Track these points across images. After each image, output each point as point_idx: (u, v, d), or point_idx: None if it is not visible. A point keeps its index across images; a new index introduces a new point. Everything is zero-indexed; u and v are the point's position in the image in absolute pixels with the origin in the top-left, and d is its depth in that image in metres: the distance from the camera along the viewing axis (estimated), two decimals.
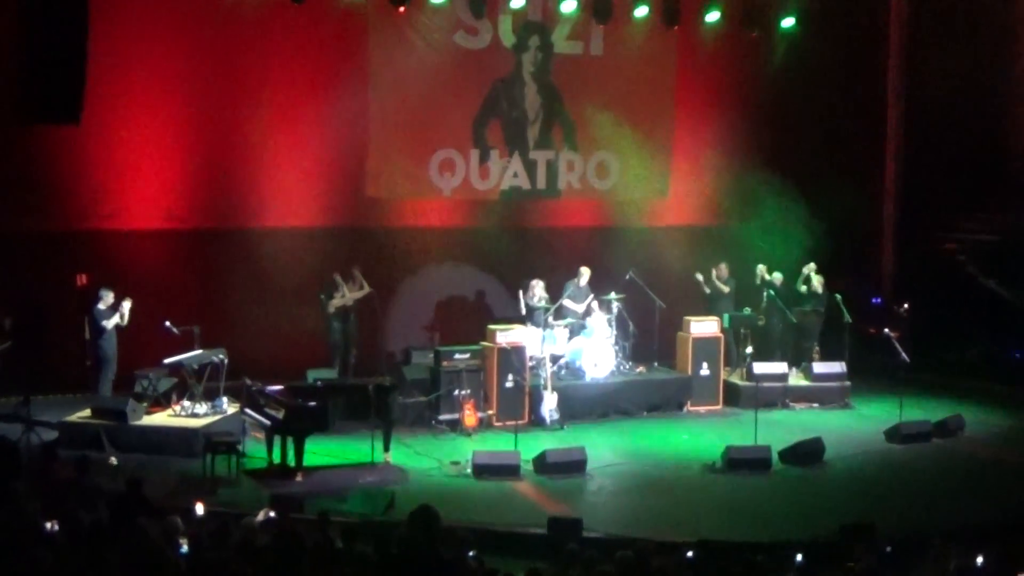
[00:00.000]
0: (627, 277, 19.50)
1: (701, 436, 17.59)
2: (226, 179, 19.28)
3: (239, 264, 19.20)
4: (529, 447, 16.04)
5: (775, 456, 16.08)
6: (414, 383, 18.25)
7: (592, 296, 19.27)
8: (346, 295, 18.88)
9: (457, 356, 17.78)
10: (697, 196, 22.06)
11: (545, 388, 17.77)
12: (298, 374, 17.38)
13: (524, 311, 18.85)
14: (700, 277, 20.20)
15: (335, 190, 19.92)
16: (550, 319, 18.83)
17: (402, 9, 19.72)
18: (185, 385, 16.72)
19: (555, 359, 18.57)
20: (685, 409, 19.18)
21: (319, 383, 16.23)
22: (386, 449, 15.60)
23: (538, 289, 18.94)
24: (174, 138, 18.91)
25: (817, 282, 20.24)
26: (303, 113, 19.44)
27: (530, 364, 18.22)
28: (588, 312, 19.18)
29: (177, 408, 16.57)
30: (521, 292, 18.88)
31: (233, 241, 19.31)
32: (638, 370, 19.37)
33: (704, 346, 19.34)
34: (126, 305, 16.84)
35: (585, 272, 19.34)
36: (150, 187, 18.95)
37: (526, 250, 20.50)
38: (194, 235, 19.24)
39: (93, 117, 17.54)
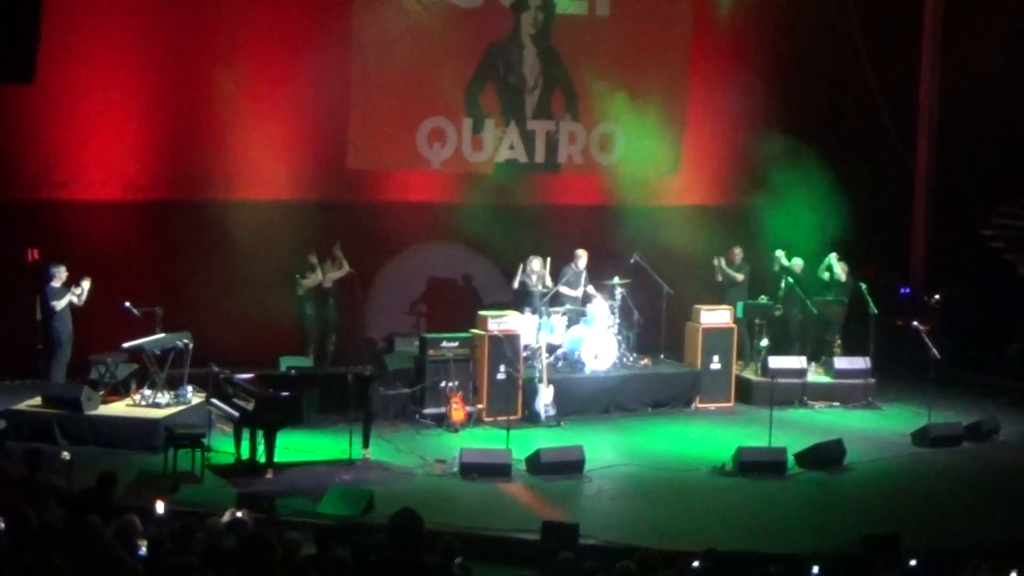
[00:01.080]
0: (632, 261, 19.56)
1: (710, 436, 17.61)
2: (193, 147, 19.27)
3: (206, 240, 19.20)
4: (522, 445, 16.06)
5: (791, 459, 16.08)
6: (397, 373, 18.27)
7: (589, 281, 19.35)
8: (319, 276, 18.91)
9: (444, 344, 17.77)
10: (711, 173, 22.09)
11: (540, 381, 17.76)
12: (270, 362, 17.50)
13: (516, 286, 18.98)
14: (717, 261, 20.32)
15: (313, 160, 19.92)
16: (546, 307, 18.92)
17: None
18: (146, 372, 16.73)
19: (552, 349, 18.59)
20: (693, 406, 19.23)
21: (293, 372, 16.26)
22: (365, 445, 15.62)
23: (535, 264, 18.98)
24: (136, 101, 18.89)
25: (840, 269, 20.27)
26: (278, 75, 19.43)
27: (524, 354, 18.32)
28: (586, 298, 19.22)
29: (137, 397, 16.60)
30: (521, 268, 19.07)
31: (200, 215, 19.28)
32: (643, 362, 19.44)
33: (715, 337, 19.38)
34: (85, 284, 16.85)
35: (582, 255, 19.38)
36: (109, 154, 18.93)
37: (522, 229, 20.44)
38: (157, 207, 19.23)
39: (47, 76, 17.14)
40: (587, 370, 18.70)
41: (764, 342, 19.61)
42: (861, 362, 19.76)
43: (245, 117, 19.30)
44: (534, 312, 18.75)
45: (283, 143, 19.61)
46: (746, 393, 19.46)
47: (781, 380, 18.70)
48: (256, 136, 19.41)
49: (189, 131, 19.20)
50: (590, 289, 19.18)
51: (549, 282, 19.02)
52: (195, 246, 19.20)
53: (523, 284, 19.04)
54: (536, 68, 21.04)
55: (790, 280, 20.18)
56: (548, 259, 19.14)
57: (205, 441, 15.03)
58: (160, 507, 11.51)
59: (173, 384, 16.63)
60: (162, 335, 16.70)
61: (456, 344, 17.82)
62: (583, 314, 19.08)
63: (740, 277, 20.34)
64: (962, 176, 22.57)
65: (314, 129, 19.81)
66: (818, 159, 20.68)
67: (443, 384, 17.56)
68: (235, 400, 15.35)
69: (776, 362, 19.27)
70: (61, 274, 16.89)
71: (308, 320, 19.06)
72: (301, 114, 19.64)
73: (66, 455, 13.42)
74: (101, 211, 18.76)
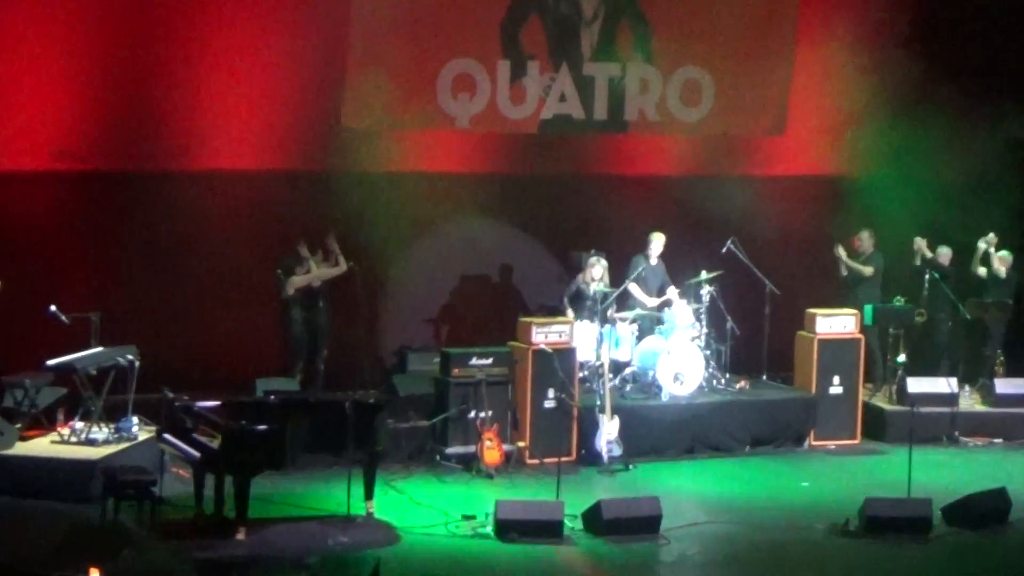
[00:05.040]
0: (724, 250, 19.74)
1: (829, 483, 17.68)
2: (143, 103, 19.32)
3: (159, 223, 19.28)
4: (577, 496, 16.04)
5: (937, 514, 15.97)
6: (411, 400, 18.37)
7: (668, 277, 19.44)
8: (312, 271, 18.97)
9: (474, 362, 17.85)
10: (828, 134, 22.04)
11: (602, 410, 17.76)
12: (243, 384, 17.71)
13: (569, 297, 19.09)
14: (839, 251, 20.34)
15: (297, 117, 19.95)
16: (611, 310, 18.94)
17: None
18: (77, 398, 16.75)
19: (618, 368, 18.75)
20: (807, 444, 19.36)
21: (273, 398, 16.10)
22: (368, 496, 15.54)
23: (598, 268, 19.00)
24: (74, 46, 18.92)
25: (1000, 262, 20.32)
26: (252, 12, 19.54)
27: (581, 375, 18.40)
28: (664, 300, 19.25)
29: (65, 431, 16.60)
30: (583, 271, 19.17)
31: (150, 190, 19.33)
32: (738, 385, 19.59)
33: (836, 352, 19.46)
34: None
35: (658, 240, 19.52)
36: (34, 112, 18.98)
37: (578, 208, 20.62)
38: (94, 180, 19.28)
39: None
40: (664, 395, 18.75)
41: (901, 358, 19.72)
42: None
43: (210, 65, 19.42)
44: (593, 319, 18.74)
45: (258, 96, 19.73)
46: (877, 426, 19.57)
47: (924, 409, 18.52)
48: (223, 88, 19.56)
49: (139, 85, 19.27)
50: (672, 289, 19.22)
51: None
52: (144, 231, 19.29)
53: (579, 289, 19.20)
54: None
55: (935, 276, 20.20)
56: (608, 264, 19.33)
57: (156, 490, 14.98)
58: None
59: (113, 414, 16.66)
60: (99, 349, 16.76)
61: (490, 361, 17.89)
62: (659, 321, 19.17)
63: (869, 271, 20.33)
64: None
65: (299, 77, 19.84)
66: (971, 119, 20.58)
67: (473, 415, 17.61)
68: (196, 436, 15.26)
69: (917, 384, 19.33)
70: None
71: (295, 331, 19.12)
72: (281, 58, 19.71)
73: None
74: (21, 185, 18.83)
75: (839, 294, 20.38)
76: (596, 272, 19.00)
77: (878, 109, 21.48)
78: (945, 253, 20.48)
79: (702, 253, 19.76)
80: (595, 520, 15.45)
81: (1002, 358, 20.41)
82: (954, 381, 19.66)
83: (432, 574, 9.06)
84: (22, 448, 16.27)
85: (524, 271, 21.07)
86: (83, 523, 15.01)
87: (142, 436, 16.58)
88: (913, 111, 21.03)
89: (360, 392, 16.75)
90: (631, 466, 17.88)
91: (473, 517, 15.67)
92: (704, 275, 19.24)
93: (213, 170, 19.65)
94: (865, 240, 20.52)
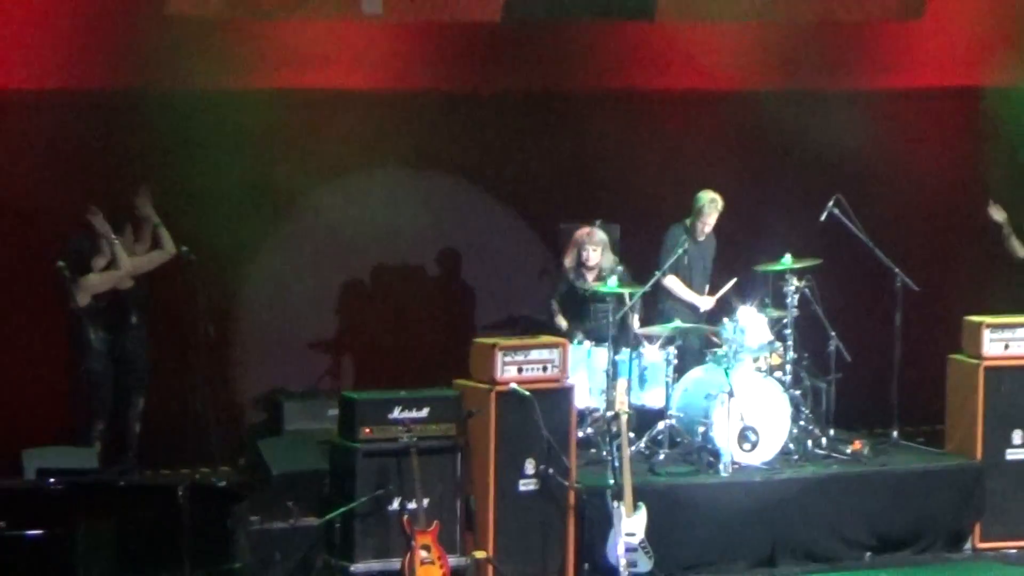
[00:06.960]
0: (823, 218, 19.84)
1: None
2: None
3: None
4: None
5: None
6: (290, 482, 17.97)
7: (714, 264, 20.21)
8: (120, 261, 17.89)
9: (398, 414, 17.44)
10: (993, 15, 21.50)
11: (619, 495, 17.10)
12: (2, 460, 17.48)
13: (560, 300, 19.23)
14: (998, 214, 20.73)
15: (95, 6, 19.81)
16: (635, 320, 19.19)
17: None
18: None
19: (646, 420, 18.74)
20: (968, 546, 19.29)
21: (52, 481, 15.54)
22: None
23: (591, 246, 19.00)
24: None
25: None
26: None
27: (582, 433, 18.50)
28: (725, 303, 19.56)
29: None
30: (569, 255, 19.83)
31: None
32: (851, 449, 19.52)
33: (1016, 388, 19.35)
34: None
35: (710, 203, 19.55)
36: None
37: (574, 149, 20.76)
38: None
39: None
40: (725, 467, 18.47)
41: None
42: None
43: None
44: (600, 339, 18.60)
45: None
46: None
47: None
48: None
49: None
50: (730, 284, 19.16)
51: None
52: None
53: (570, 284, 19.60)
54: None
55: None
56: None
57: None
58: None
59: None
60: None
61: (424, 413, 17.51)
62: (713, 342, 18.55)
63: None
64: None
65: None
66: None
67: (396, 505, 17.08)
68: None
69: None
70: None
71: (92, 365, 18.63)
72: None
73: None
74: None
75: (1012, 291, 20.13)
76: (591, 255, 18.75)
77: None
78: None
79: (784, 224, 19.42)
80: None
81: None
82: None
83: None
84: None
85: (483, 259, 21.04)
86: None
87: None
88: None
89: (203, 470, 16.82)
90: None
91: None
92: (789, 261, 18.88)
93: None
94: None
